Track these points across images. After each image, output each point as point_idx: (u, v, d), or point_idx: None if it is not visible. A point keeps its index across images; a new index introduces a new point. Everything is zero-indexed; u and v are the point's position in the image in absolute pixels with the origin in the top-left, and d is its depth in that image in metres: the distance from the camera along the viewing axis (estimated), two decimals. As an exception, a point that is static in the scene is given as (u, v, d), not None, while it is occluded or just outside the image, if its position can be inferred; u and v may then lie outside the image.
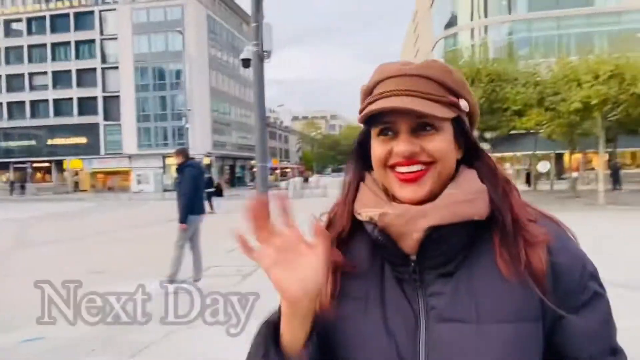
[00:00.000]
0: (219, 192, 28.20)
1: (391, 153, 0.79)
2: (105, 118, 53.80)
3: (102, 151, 53.69)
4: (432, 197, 0.77)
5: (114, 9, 53.36)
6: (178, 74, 49.50)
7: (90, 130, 53.65)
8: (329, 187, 27.48)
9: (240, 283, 7.05)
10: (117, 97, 53.32)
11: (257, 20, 10.44)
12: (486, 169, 0.82)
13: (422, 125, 0.78)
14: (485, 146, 30.31)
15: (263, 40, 10.32)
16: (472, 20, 44.24)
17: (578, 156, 34.78)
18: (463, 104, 0.82)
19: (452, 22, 46.35)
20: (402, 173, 0.78)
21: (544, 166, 28.76)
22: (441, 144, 0.78)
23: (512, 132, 26.55)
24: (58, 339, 4.83)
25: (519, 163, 40.05)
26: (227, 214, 16.57)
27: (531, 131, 26.54)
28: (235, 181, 57.73)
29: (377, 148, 0.81)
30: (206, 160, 50.15)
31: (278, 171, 64.93)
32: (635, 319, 5.13)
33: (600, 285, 0.81)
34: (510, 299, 0.75)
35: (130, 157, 52.78)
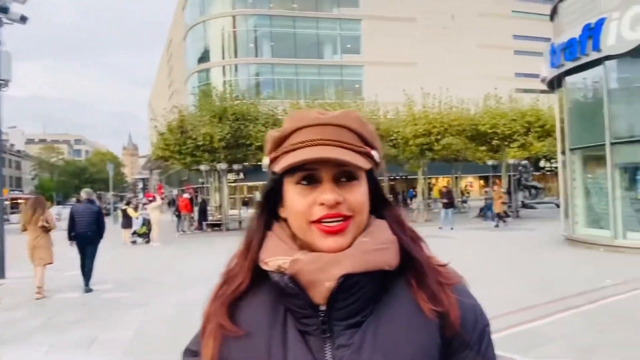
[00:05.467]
0: None
1: (314, 205, 0.77)
2: None
3: None
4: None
5: None
6: None
7: None
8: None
9: None
10: None
11: (-6, 47, 9.91)
12: (394, 219, 0.84)
13: (342, 174, 0.78)
14: (235, 176, 32.13)
15: (1, 69, 9.84)
16: (223, 58, 46.39)
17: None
18: (376, 155, 0.83)
19: (205, 57, 47.26)
20: (328, 225, 0.76)
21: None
22: (361, 196, 0.79)
23: (259, 163, 29.52)
24: None
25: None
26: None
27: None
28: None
29: (298, 199, 0.78)
30: None
31: (8, 203, 55.65)
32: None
33: (490, 340, 0.83)
34: (415, 343, 0.76)
35: None
